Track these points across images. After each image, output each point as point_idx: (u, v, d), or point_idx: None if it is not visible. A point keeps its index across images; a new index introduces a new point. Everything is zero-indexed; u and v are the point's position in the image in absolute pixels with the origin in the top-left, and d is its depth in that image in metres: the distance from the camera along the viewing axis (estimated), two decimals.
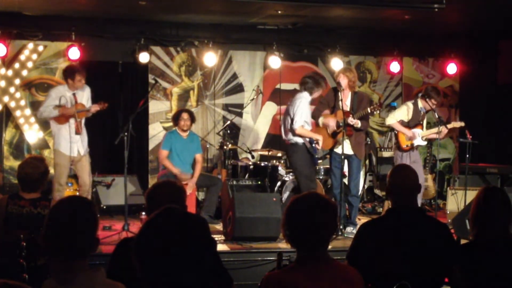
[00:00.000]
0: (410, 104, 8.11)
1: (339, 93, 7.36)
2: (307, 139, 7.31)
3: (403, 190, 3.58)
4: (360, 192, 9.93)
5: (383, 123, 10.92)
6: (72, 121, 7.37)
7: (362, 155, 7.73)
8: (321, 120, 7.53)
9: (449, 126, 8.05)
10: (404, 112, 8.03)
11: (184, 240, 2.00)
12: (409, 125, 7.98)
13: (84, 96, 7.53)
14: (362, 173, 10.36)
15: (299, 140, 7.34)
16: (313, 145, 7.27)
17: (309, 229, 2.78)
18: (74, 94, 7.44)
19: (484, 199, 3.52)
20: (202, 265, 2.02)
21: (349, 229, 7.29)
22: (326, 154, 8.48)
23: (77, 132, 7.39)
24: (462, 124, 8.14)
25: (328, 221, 2.84)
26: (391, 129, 10.70)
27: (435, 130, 7.90)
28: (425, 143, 8.12)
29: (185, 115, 8.29)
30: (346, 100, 7.44)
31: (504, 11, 8.76)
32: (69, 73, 7.44)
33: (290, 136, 7.39)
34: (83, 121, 7.52)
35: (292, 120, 7.31)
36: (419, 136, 7.94)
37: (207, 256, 2.06)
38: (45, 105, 7.41)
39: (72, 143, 7.32)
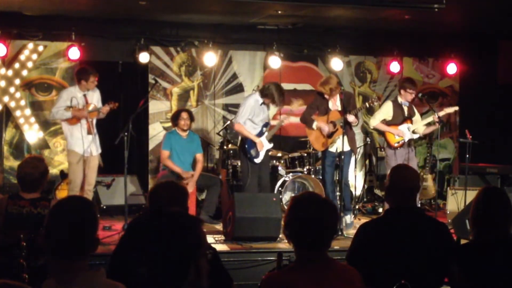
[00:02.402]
0: (389, 102, 8.14)
1: (327, 97, 7.74)
2: (244, 138, 7.96)
3: (403, 190, 3.57)
4: (360, 192, 9.99)
5: None
6: (83, 121, 7.43)
7: (356, 150, 8.16)
8: (315, 125, 7.76)
9: (441, 113, 8.01)
10: (384, 111, 8.03)
11: (163, 241, 2.03)
12: (395, 122, 7.96)
13: (94, 97, 7.58)
14: (362, 173, 10.41)
15: (240, 137, 8.12)
16: (246, 145, 7.87)
17: (311, 229, 2.78)
18: (85, 95, 7.48)
19: (484, 199, 3.52)
20: (185, 267, 2.04)
21: (347, 217, 7.64)
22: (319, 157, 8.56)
23: (89, 132, 7.44)
24: (456, 108, 8.18)
25: (329, 222, 2.84)
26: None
27: (424, 121, 7.97)
28: (416, 136, 8.08)
29: (185, 115, 8.30)
30: (336, 102, 7.75)
31: (504, 11, 8.76)
32: (83, 74, 7.48)
33: None
34: (94, 121, 7.55)
35: None
36: (409, 130, 7.93)
37: (190, 257, 2.07)
38: (56, 106, 7.45)
39: (85, 143, 7.37)
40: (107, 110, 7.54)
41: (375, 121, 8.01)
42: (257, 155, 7.91)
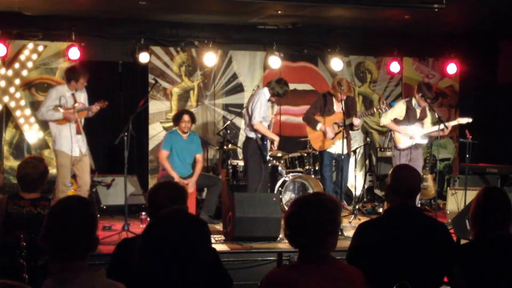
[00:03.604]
0: (403, 102, 8.15)
1: (333, 98, 7.91)
2: (259, 136, 7.77)
3: (404, 190, 3.56)
4: (360, 192, 9.99)
5: None
6: (72, 121, 7.37)
7: (350, 152, 8.26)
8: (320, 127, 7.89)
9: (453, 123, 8.02)
10: (396, 111, 8.05)
11: (190, 244, 2.03)
12: (406, 123, 7.98)
13: (82, 96, 7.54)
14: (362, 173, 10.42)
15: (253, 135, 7.81)
16: (265, 142, 7.75)
17: (309, 229, 2.77)
18: (73, 94, 7.45)
19: (484, 199, 3.51)
20: (203, 267, 2.04)
21: None
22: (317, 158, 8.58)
23: (78, 131, 7.39)
24: (469, 120, 8.08)
25: (327, 221, 2.81)
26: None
27: (435, 128, 7.88)
28: (425, 141, 8.08)
29: (186, 117, 8.27)
30: (340, 104, 7.81)
31: (504, 11, 8.76)
32: (73, 75, 7.42)
33: (247, 130, 7.91)
34: (82, 121, 7.52)
35: (250, 116, 7.78)
36: (418, 134, 7.93)
37: (207, 258, 2.08)
38: (45, 106, 7.39)
39: (74, 143, 7.32)
40: (97, 109, 7.45)
41: (386, 120, 8.05)
42: (267, 154, 7.89)
